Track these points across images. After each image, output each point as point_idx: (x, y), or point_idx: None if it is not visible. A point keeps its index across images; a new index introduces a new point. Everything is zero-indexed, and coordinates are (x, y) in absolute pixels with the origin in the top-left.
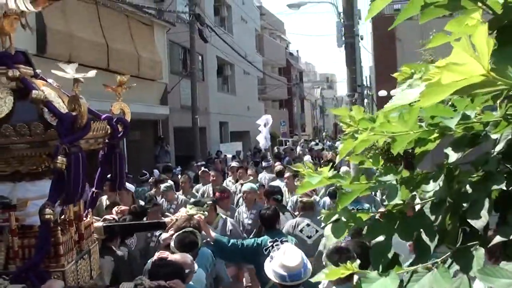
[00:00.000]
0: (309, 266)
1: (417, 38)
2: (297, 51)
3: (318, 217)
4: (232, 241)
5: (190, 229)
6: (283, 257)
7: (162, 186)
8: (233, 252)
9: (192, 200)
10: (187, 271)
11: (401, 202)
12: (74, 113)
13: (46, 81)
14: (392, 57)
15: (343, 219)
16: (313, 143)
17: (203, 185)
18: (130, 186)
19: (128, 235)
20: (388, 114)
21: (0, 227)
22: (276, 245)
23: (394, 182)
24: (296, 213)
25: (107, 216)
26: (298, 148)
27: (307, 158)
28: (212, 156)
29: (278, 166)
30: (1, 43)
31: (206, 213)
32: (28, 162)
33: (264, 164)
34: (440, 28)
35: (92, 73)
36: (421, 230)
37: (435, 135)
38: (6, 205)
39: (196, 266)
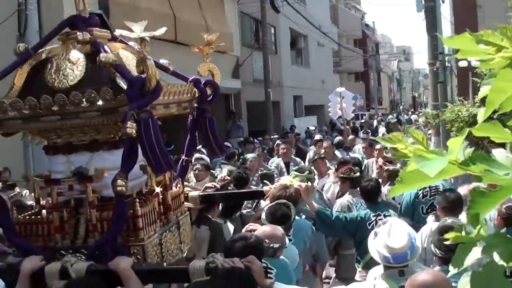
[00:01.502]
0: (417, 245)
1: (499, 4)
2: (373, 22)
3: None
4: (335, 213)
5: (284, 201)
6: (387, 238)
7: (250, 155)
8: (336, 225)
9: (294, 168)
10: (276, 245)
11: None
12: (142, 76)
13: (126, 44)
14: (473, 24)
15: (497, 257)
16: (390, 116)
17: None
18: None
19: (231, 205)
20: None
21: (80, 199)
22: (379, 219)
23: None
24: None
25: (208, 184)
26: (375, 122)
27: (382, 130)
28: (287, 130)
29: (337, 138)
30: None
31: (309, 183)
32: (104, 130)
33: (362, 135)
34: None
35: (161, 31)
36: None
37: None
38: (82, 175)
39: (287, 241)
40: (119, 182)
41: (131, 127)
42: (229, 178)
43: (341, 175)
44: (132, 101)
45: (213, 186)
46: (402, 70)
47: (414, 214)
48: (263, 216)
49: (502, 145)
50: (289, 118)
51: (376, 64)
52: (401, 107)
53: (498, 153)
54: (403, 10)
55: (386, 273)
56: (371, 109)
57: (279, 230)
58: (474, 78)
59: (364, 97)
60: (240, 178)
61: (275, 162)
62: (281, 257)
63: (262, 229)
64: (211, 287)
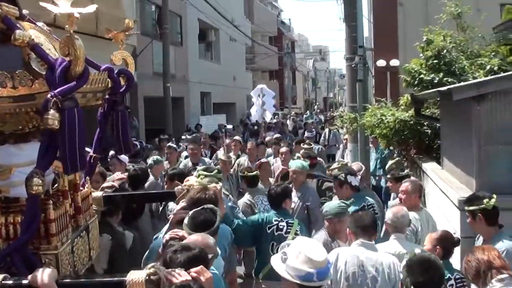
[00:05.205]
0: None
1: (420, 4)
2: (289, 19)
3: None
4: (236, 221)
5: (210, 206)
6: (308, 250)
7: (151, 159)
8: (239, 234)
9: (201, 168)
10: (210, 255)
11: None
12: (68, 59)
13: (35, 24)
14: (393, 23)
15: None
16: (306, 115)
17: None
18: (123, 157)
19: (136, 207)
20: None
21: None
22: (281, 225)
23: None
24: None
25: (105, 184)
26: (289, 122)
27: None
28: (191, 130)
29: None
30: None
31: (220, 183)
32: (12, 120)
33: (307, 134)
34: None
35: (91, 8)
36: None
37: None
38: None
39: (218, 251)
40: (36, 180)
41: (53, 117)
42: (124, 176)
43: (240, 174)
44: (54, 87)
45: (111, 185)
46: (318, 70)
47: None
48: (186, 221)
49: (432, 158)
50: (194, 116)
51: (291, 63)
52: (315, 107)
53: (429, 168)
54: (320, 8)
55: None
56: (284, 108)
57: (210, 238)
58: (402, 75)
59: (278, 96)
60: (136, 177)
61: (183, 163)
62: (212, 267)
63: (193, 238)
64: None
